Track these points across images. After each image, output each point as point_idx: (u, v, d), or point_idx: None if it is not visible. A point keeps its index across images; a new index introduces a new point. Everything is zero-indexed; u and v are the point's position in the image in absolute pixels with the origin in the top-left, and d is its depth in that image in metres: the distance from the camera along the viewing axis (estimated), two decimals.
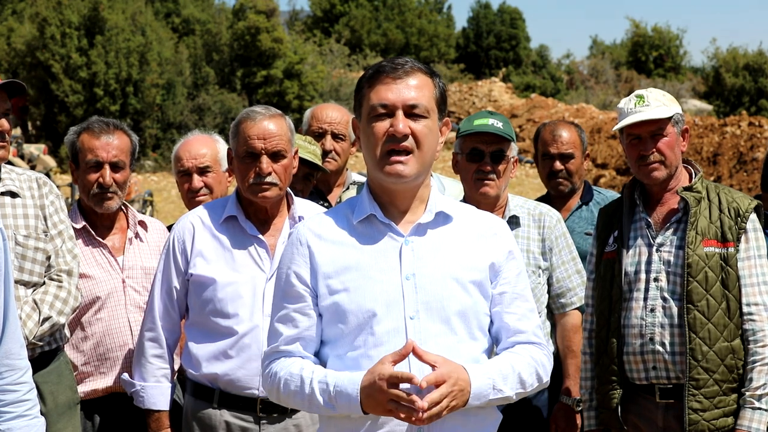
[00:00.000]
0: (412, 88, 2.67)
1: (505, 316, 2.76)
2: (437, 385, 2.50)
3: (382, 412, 2.53)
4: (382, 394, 2.49)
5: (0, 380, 2.73)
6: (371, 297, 2.63)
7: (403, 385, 2.51)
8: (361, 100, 2.72)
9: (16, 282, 3.67)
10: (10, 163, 3.95)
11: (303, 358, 2.71)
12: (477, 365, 2.62)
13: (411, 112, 2.66)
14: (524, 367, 2.70)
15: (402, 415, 2.49)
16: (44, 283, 3.77)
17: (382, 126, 2.65)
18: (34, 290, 3.74)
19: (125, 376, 3.90)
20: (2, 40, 32.25)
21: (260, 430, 3.63)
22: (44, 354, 3.78)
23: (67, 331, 3.96)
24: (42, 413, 3.68)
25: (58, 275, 3.80)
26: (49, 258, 3.79)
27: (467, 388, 2.55)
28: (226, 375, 3.60)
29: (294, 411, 3.65)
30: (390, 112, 2.66)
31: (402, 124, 2.64)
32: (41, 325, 3.66)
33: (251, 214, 3.71)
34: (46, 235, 3.80)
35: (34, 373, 3.67)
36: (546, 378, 2.80)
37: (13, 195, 3.79)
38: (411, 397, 2.48)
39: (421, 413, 2.47)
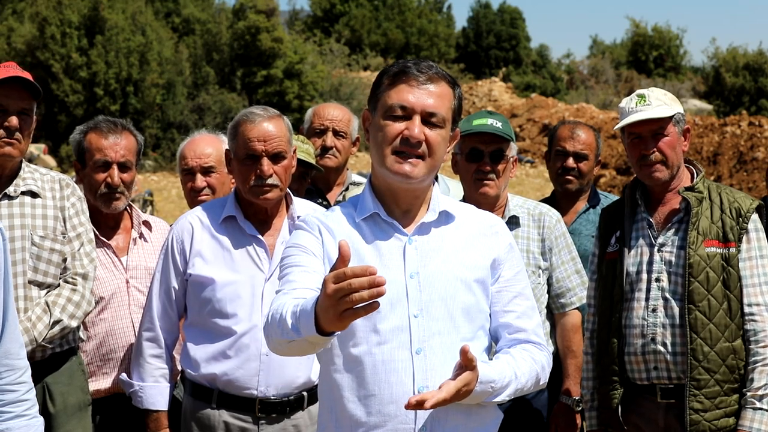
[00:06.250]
0: (433, 95, 2.66)
1: (505, 314, 2.77)
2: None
3: (336, 319, 2.18)
4: (333, 304, 2.16)
5: None
6: None
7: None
8: (379, 94, 2.70)
9: (30, 282, 3.68)
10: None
11: None
12: (486, 367, 2.61)
13: (428, 119, 2.65)
14: (526, 374, 2.71)
15: (362, 312, 2.15)
16: (59, 285, 3.77)
17: (397, 127, 2.64)
18: (48, 292, 3.74)
19: (123, 376, 3.90)
20: (2, 39, 32.28)
21: (259, 430, 3.62)
22: (56, 355, 3.78)
23: (81, 333, 3.96)
24: (51, 414, 3.71)
25: (73, 278, 3.79)
26: (65, 260, 3.78)
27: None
28: (224, 375, 3.59)
29: (293, 411, 3.64)
30: (408, 114, 2.64)
31: (418, 129, 2.63)
32: (51, 328, 3.66)
33: (250, 214, 3.70)
34: (63, 237, 3.79)
35: (45, 374, 3.70)
36: (544, 380, 2.82)
37: (34, 195, 3.78)
38: (359, 273, 2.13)
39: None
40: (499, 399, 2.65)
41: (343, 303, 2.13)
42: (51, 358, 3.77)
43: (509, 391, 2.66)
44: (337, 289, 2.13)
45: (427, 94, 2.65)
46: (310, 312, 2.27)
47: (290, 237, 2.79)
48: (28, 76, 3.70)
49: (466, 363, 2.48)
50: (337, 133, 4.95)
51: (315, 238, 2.71)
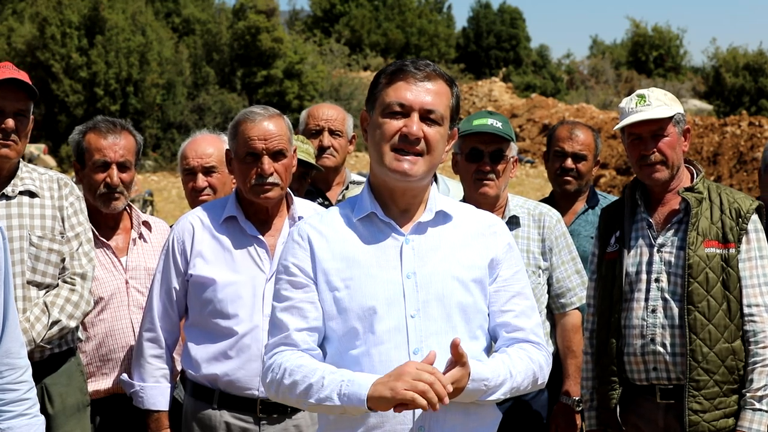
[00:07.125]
0: (431, 92, 2.67)
1: (503, 314, 2.76)
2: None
3: (393, 399, 2.45)
4: (406, 379, 2.43)
5: (0, 379, 2.73)
6: (372, 294, 2.63)
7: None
8: (377, 93, 2.71)
9: (29, 283, 3.69)
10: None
11: (310, 351, 2.66)
12: (479, 365, 2.61)
13: (426, 116, 2.66)
14: (521, 372, 2.69)
15: (422, 402, 2.42)
16: (57, 285, 3.77)
17: (395, 124, 2.65)
18: (47, 292, 3.74)
19: (124, 376, 3.90)
20: (2, 39, 32.27)
21: (260, 430, 3.62)
22: (54, 356, 3.79)
23: (81, 334, 3.96)
24: (50, 414, 3.71)
25: (71, 278, 3.79)
26: (63, 260, 3.78)
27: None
28: (225, 376, 3.59)
29: (294, 411, 3.64)
30: (406, 112, 2.65)
31: (416, 126, 2.64)
32: (50, 329, 3.66)
33: (251, 215, 3.71)
34: (62, 237, 3.79)
35: (43, 375, 3.70)
36: (542, 380, 2.80)
37: (32, 195, 3.79)
38: (438, 378, 2.44)
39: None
40: (494, 397, 2.64)
41: (414, 385, 2.41)
42: (49, 359, 3.77)
43: (504, 389, 2.65)
44: (419, 376, 2.42)
45: (425, 92, 2.66)
46: (366, 387, 2.48)
47: (282, 250, 2.80)
48: (24, 76, 3.70)
49: (457, 358, 2.49)
50: (332, 133, 4.96)
51: (303, 251, 2.72)
